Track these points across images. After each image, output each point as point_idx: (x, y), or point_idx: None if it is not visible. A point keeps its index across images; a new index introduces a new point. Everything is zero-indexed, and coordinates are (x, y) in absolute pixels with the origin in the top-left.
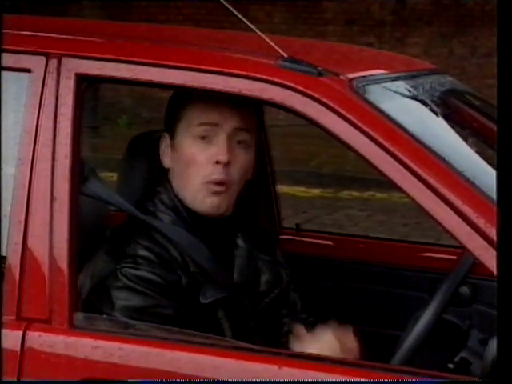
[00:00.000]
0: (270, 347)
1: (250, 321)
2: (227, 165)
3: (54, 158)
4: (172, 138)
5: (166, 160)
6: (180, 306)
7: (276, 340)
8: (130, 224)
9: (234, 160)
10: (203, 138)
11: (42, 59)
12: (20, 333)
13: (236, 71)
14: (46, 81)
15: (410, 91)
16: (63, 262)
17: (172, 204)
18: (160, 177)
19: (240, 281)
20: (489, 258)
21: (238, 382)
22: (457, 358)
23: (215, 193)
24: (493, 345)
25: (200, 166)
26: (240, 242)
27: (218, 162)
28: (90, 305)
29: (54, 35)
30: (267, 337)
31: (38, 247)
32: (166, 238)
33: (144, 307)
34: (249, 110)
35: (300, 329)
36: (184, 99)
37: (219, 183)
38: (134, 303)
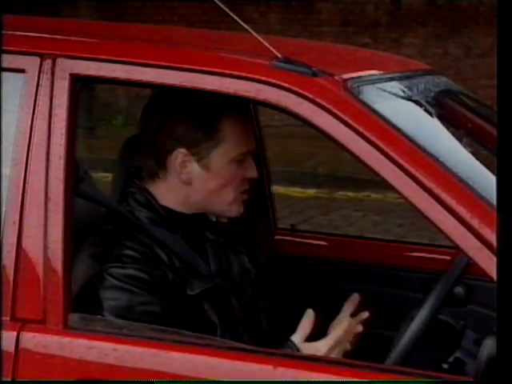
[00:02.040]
0: (256, 339)
1: (236, 310)
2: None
3: (48, 159)
4: (199, 157)
5: (190, 177)
6: (168, 301)
7: (259, 331)
8: (111, 226)
9: None
10: (240, 160)
11: (36, 60)
12: (14, 333)
13: (231, 72)
14: (40, 81)
15: (404, 92)
16: (57, 263)
17: (147, 202)
18: (129, 178)
19: (218, 272)
20: (483, 258)
21: (234, 382)
22: (451, 358)
23: (244, 199)
24: (487, 345)
25: (237, 184)
26: (209, 234)
27: (249, 178)
28: (79, 308)
29: (48, 36)
30: (252, 327)
31: (33, 248)
32: (148, 236)
33: (132, 305)
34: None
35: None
36: (216, 118)
37: (245, 192)
38: (123, 302)
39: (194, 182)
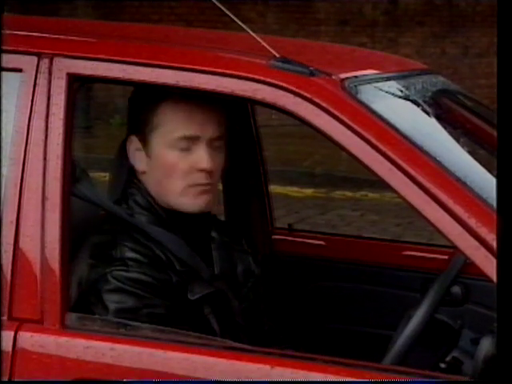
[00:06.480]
0: (257, 343)
1: (236, 315)
2: (210, 171)
3: (45, 158)
4: (144, 143)
5: (141, 165)
6: (172, 304)
7: (260, 334)
8: (110, 227)
9: (214, 166)
10: (182, 147)
11: (34, 59)
12: (12, 333)
13: (228, 71)
14: (37, 81)
15: (401, 91)
16: (55, 262)
17: (147, 204)
18: (130, 178)
19: (221, 274)
20: (480, 257)
21: (232, 382)
22: (448, 358)
23: (203, 192)
24: (484, 344)
25: (183, 174)
26: (214, 234)
27: (201, 170)
28: (81, 309)
29: (45, 35)
30: (252, 331)
31: (30, 247)
32: (148, 238)
33: (138, 308)
34: (222, 115)
35: None
36: (154, 103)
37: (204, 185)
38: (128, 305)
39: (147, 172)
